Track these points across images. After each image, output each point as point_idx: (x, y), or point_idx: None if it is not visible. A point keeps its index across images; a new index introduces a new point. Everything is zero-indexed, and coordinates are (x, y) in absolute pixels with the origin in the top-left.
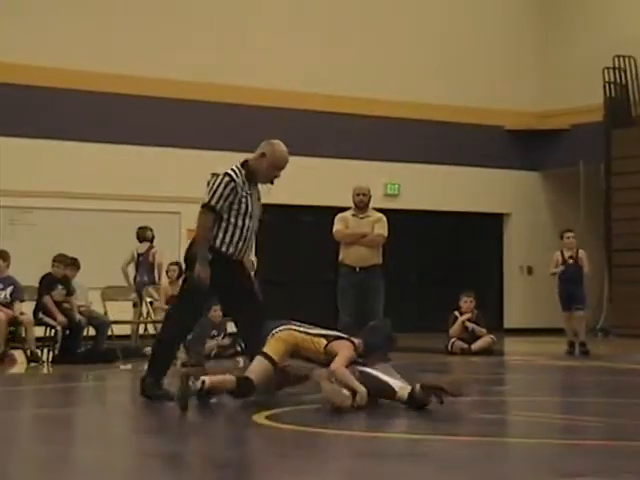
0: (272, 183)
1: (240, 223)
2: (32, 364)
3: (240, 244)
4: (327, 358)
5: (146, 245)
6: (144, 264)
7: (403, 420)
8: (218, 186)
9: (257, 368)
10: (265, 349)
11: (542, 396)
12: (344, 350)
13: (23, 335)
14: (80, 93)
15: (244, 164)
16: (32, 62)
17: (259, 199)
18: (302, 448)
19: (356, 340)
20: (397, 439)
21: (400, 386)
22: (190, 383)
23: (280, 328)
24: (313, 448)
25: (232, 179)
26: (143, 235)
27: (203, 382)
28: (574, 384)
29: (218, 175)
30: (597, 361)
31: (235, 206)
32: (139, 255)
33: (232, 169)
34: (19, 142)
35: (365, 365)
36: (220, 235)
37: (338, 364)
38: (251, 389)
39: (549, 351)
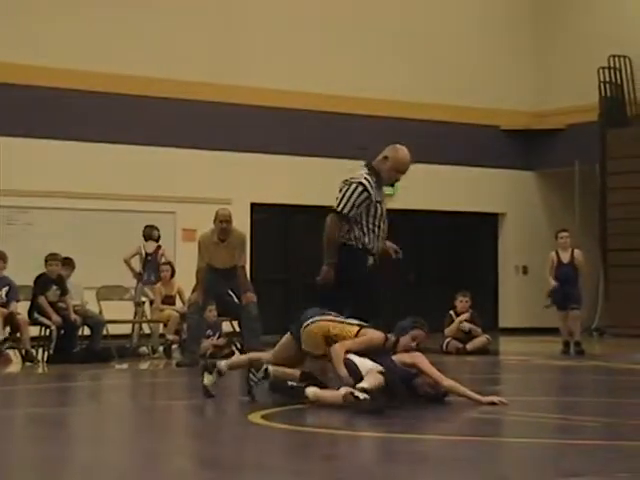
0: (392, 185)
1: (375, 227)
2: (27, 363)
3: (374, 244)
4: None
5: (153, 244)
6: (152, 263)
7: (399, 420)
8: (351, 195)
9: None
10: (304, 347)
11: (537, 396)
12: (366, 336)
13: (18, 335)
14: (76, 93)
15: (370, 169)
16: (28, 62)
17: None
18: (297, 448)
19: (390, 335)
20: (393, 439)
21: (367, 370)
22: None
23: (310, 320)
24: (308, 448)
25: (365, 188)
26: (150, 234)
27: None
28: (569, 384)
29: (351, 183)
30: (592, 361)
31: (372, 211)
32: (147, 254)
33: (365, 178)
34: (15, 142)
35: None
36: (360, 237)
37: (340, 345)
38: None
39: (544, 351)
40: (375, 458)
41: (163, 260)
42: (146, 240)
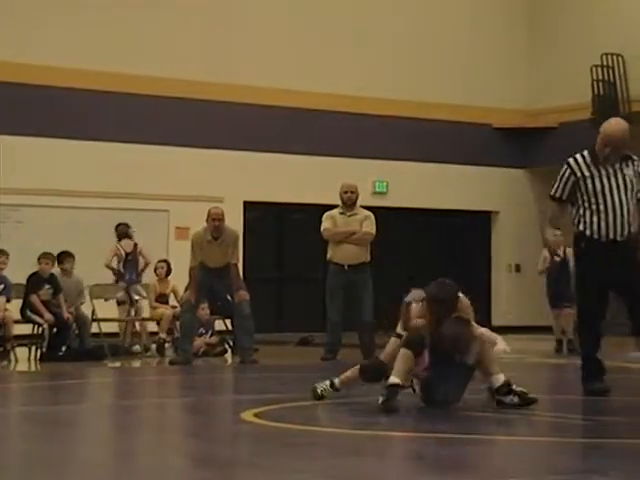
0: (606, 161)
1: (592, 204)
2: (4, 362)
3: (599, 224)
4: None
5: (130, 243)
6: (132, 262)
7: (396, 418)
8: (559, 175)
9: (387, 349)
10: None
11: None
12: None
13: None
14: (69, 91)
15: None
16: (19, 59)
17: (626, 175)
18: (289, 446)
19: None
20: (388, 437)
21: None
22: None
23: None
24: (300, 446)
25: (569, 165)
26: (126, 232)
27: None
28: (562, 382)
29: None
30: None
31: (582, 188)
32: (127, 254)
33: (573, 156)
34: (6, 139)
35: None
36: (578, 219)
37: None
38: (381, 368)
39: (537, 349)
40: (371, 457)
41: (142, 258)
42: (121, 239)
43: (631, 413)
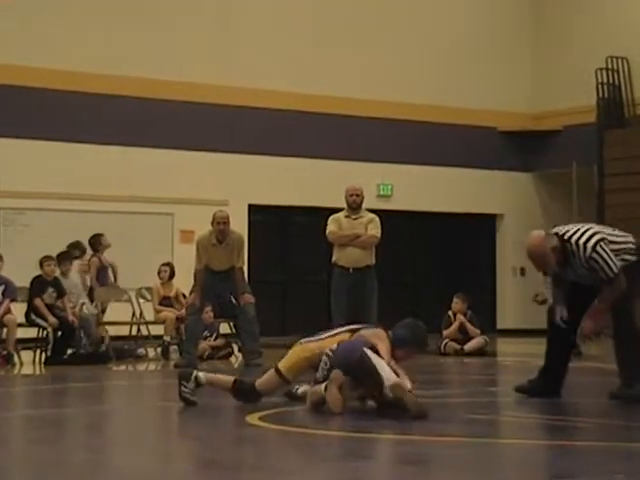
0: None
1: None
2: (9, 365)
3: None
4: None
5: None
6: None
7: (395, 421)
8: None
9: (265, 379)
10: (279, 364)
11: (534, 397)
12: (382, 347)
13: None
14: (73, 94)
15: None
16: (23, 63)
17: None
18: (294, 449)
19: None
20: (389, 440)
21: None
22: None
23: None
24: (305, 449)
25: None
26: (109, 243)
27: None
28: (566, 385)
29: None
30: (589, 362)
31: None
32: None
33: None
34: (12, 143)
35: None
36: None
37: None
38: (253, 394)
39: (541, 352)
40: (372, 459)
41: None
42: (102, 251)
43: (632, 416)
